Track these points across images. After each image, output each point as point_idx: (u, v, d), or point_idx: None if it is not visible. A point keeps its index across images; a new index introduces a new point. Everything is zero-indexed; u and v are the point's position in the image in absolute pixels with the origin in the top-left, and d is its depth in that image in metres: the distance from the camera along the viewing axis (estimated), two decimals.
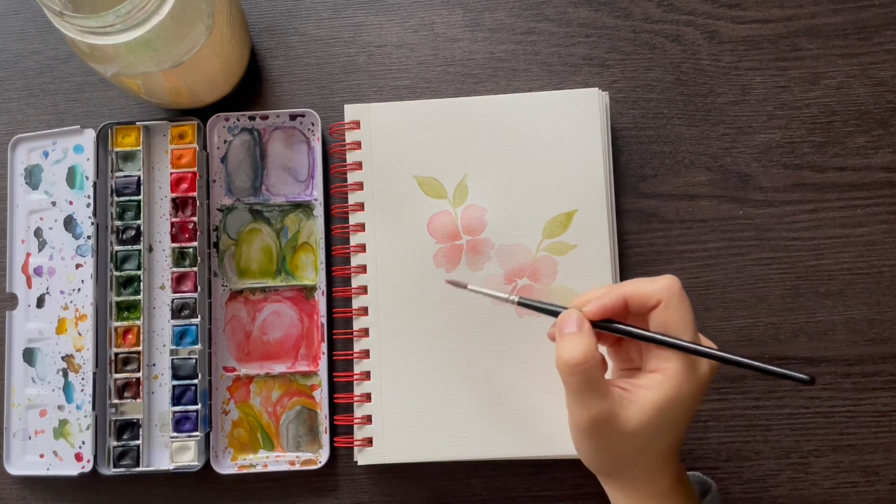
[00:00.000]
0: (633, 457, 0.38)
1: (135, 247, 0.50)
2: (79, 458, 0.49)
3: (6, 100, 0.54)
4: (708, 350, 0.36)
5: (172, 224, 0.50)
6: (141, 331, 0.50)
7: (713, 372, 0.38)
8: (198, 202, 0.50)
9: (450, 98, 0.51)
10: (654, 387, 0.36)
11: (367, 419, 0.48)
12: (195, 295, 0.49)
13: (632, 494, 0.39)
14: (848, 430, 0.49)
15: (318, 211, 0.51)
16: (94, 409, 0.49)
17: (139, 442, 0.49)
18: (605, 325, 0.38)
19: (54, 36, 0.54)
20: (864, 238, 0.51)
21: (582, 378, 0.36)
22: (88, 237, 0.51)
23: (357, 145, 0.50)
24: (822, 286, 0.50)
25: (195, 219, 0.50)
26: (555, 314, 0.39)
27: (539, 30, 0.53)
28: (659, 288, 0.37)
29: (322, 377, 0.50)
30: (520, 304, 0.41)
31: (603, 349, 0.40)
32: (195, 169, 0.50)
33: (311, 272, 0.51)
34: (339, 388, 0.50)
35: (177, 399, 0.49)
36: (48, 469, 0.50)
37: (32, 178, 0.52)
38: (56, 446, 0.50)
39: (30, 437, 0.50)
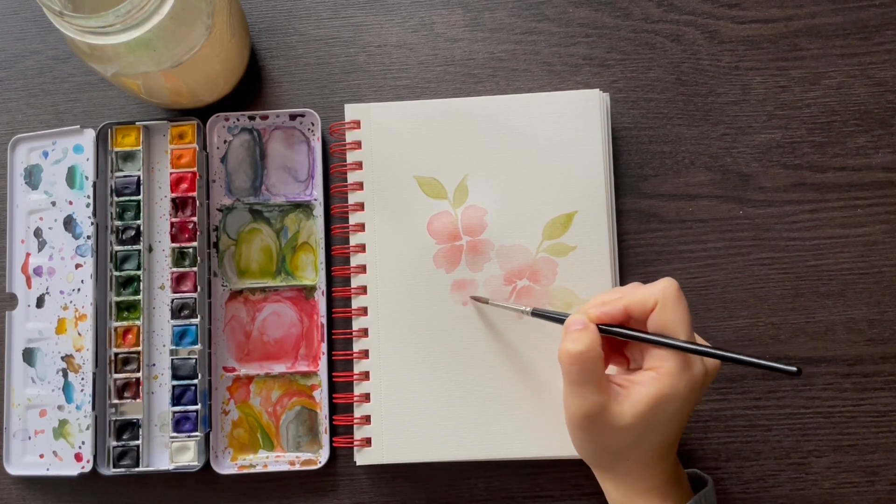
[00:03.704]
0: (626, 451, 0.39)
1: (134, 247, 0.50)
2: (78, 458, 0.49)
3: (6, 100, 0.54)
4: (699, 347, 0.37)
5: (172, 224, 0.50)
6: (141, 331, 0.50)
7: (710, 374, 0.39)
8: (198, 202, 0.50)
9: (450, 98, 0.51)
10: (648, 383, 0.37)
11: (366, 419, 0.48)
12: (195, 295, 0.49)
13: (623, 490, 0.40)
14: (848, 430, 0.49)
15: (318, 211, 0.51)
16: (93, 409, 0.49)
17: (139, 442, 0.49)
18: (605, 329, 0.39)
19: (54, 36, 0.54)
20: (864, 238, 0.51)
21: (582, 368, 0.37)
22: (88, 237, 0.51)
23: (357, 145, 0.50)
24: (822, 286, 0.50)
25: (195, 219, 0.50)
26: (563, 321, 0.40)
27: (539, 30, 0.53)
28: (656, 291, 0.38)
29: (322, 377, 0.50)
30: (533, 314, 0.44)
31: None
32: (195, 169, 0.50)
33: (311, 272, 0.51)
34: (339, 388, 0.50)
35: (177, 399, 0.49)
36: (48, 469, 0.50)
37: (32, 178, 0.52)
38: (56, 446, 0.50)
39: (29, 438, 0.50)
